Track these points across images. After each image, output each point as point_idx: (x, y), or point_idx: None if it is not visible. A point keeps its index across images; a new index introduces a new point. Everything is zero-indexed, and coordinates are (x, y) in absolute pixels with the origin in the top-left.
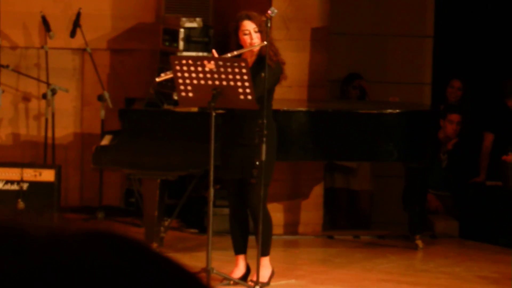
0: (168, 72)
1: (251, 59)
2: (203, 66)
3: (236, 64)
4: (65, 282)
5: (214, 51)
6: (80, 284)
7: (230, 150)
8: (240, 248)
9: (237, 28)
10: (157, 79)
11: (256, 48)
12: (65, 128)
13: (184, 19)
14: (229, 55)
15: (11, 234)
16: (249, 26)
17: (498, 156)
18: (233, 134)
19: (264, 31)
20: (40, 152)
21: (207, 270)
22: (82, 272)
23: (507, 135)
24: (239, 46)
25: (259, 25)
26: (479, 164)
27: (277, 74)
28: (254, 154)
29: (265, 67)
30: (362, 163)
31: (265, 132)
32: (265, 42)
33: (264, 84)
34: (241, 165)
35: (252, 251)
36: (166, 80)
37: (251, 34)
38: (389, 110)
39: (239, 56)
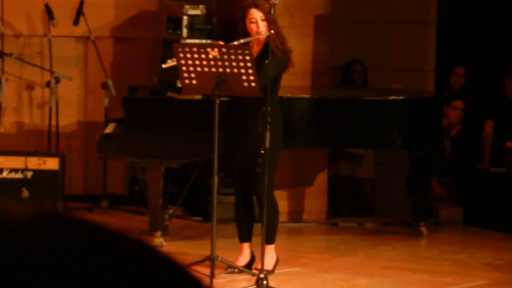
0: (174, 59)
1: (258, 48)
2: (206, 53)
3: (239, 51)
4: (13, 269)
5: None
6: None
7: (236, 138)
8: (245, 236)
9: (244, 16)
10: (164, 65)
11: (262, 37)
12: (68, 117)
13: (187, 6)
14: (235, 43)
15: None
16: (256, 14)
17: (501, 143)
18: (239, 122)
19: (272, 20)
20: (44, 141)
21: (211, 258)
22: (33, 258)
23: (506, 122)
24: (246, 34)
25: (266, 13)
26: (482, 151)
27: (284, 63)
28: (259, 142)
29: (269, 56)
30: (368, 150)
31: (269, 119)
32: (272, 31)
33: (268, 74)
34: (247, 153)
35: (257, 239)
36: (169, 68)
37: (257, 22)
38: (393, 97)
39: (246, 44)
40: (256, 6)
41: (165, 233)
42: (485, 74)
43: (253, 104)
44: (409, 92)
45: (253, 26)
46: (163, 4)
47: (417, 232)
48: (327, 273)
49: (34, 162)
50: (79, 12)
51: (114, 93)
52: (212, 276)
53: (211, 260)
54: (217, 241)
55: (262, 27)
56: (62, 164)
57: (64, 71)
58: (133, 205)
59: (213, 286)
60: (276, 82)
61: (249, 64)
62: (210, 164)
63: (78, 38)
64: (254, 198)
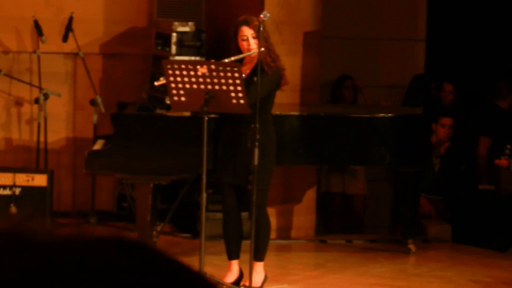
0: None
1: (250, 65)
2: (195, 70)
3: (228, 68)
4: (67, 283)
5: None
6: (83, 285)
7: (227, 155)
8: (233, 253)
9: (236, 33)
10: (156, 83)
11: (254, 54)
12: (57, 133)
13: (176, 23)
14: (226, 60)
15: (15, 238)
16: (247, 31)
17: (491, 160)
18: (231, 138)
19: (262, 37)
20: (33, 157)
21: None
22: (84, 273)
23: (502, 138)
24: (239, 51)
25: (257, 31)
26: (478, 167)
27: (275, 80)
28: (250, 159)
29: (258, 73)
30: (360, 166)
31: (258, 136)
32: (262, 48)
33: (256, 92)
34: (237, 170)
35: (245, 256)
36: (159, 85)
37: (248, 39)
38: (381, 114)
39: (240, 61)
40: (247, 24)
41: None
42: (474, 90)
43: (246, 121)
44: (398, 109)
45: (244, 43)
46: (152, 20)
47: (405, 249)
48: None
49: (22, 179)
50: (68, 28)
51: (103, 109)
52: None
53: None
54: (206, 257)
55: (253, 44)
56: (51, 180)
57: (53, 88)
58: (122, 222)
59: None
60: (268, 99)
61: (237, 81)
62: (198, 180)
63: (67, 54)
64: (243, 215)
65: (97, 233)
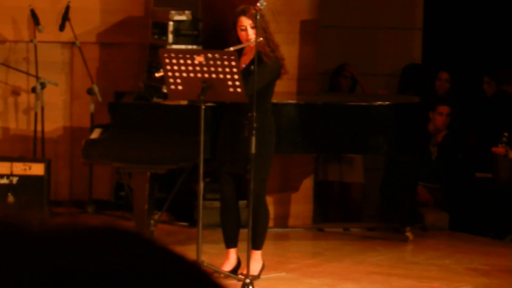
0: None
1: (250, 55)
2: (192, 59)
3: (225, 57)
4: (61, 275)
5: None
6: (81, 279)
7: (227, 143)
8: (231, 241)
9: (234, 23)
10: (157, 74)
11: (253, 44)
12: (54, 122)
13: (173, 12)
14: (225, 50)
15: (10, 229)
16: (245, 22)
17: (487, 148)
18: (231, 127)
19: (260, 26)
20: (30, 146)
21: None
22: (78, 265)
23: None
24: (238, 41)
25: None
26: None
27: (274, 70)
28: (249, 148)
29: (255, 62)
30: (356, 155)
31: (255, 125)
32: (261, 38)
33: (254, 84)
34: (236, 158)
35: (243, 244)
36: (154, 73)
37: (247, 30)
38: (379, 103)
39: (239, 51)
40: (245, 14)
41: None
42: (469, 79)
43: (245, 111)
44: (395, 98)
45: (243, 33)
46: (149, 9)
47: (403, 237)
48: (314, 279)
49: (19, 168)
50: (65, 17)
51: (100, 98)
52: None
53: None
54: (203, 246)
55: (252, 34)
56: (48, 169)
57: (50, 77)
58: (119, 211)
59: None
60: (268, 89)
61: (234, 70)
62: (196, 169)
63: (64, 43)
64: (241, 203)
65: (92, 223)
